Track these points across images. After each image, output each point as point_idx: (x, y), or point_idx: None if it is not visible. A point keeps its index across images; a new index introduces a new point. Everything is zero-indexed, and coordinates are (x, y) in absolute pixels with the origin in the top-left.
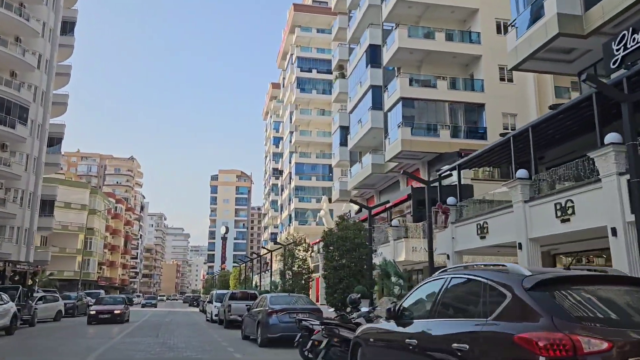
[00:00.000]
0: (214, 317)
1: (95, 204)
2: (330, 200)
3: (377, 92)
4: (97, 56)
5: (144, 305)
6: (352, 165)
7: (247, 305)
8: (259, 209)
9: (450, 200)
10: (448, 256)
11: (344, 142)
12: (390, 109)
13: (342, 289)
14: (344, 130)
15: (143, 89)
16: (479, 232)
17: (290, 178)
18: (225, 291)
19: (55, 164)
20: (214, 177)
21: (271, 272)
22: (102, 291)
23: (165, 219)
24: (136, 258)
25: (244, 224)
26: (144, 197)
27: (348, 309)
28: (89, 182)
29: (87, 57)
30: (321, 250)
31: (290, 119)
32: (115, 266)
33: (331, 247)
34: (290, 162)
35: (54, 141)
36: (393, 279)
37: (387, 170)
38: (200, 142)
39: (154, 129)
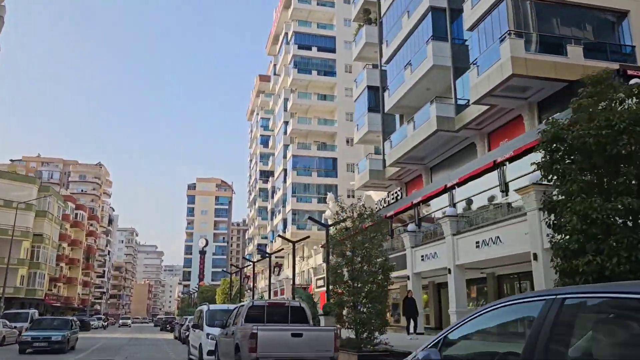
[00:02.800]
0: (205, 358)
1: (46, 204)
2: (335, 199)
3: (439, 17)
4: (63, 52)
5: (24, 347)
6: (385, 139)
7: (294, 334)
8: (238, 224)
9: None
10: None
11: (374, 107)
12: (478, 23)
13: None
14: (373, 92)
15: (115, 97)
16: None
17: (286, 175)
18: (226, 306)
19: None
20: (192, 186)
21: (294, 277)
22: (34, 311)
23: (136, 235)
24: (103, 276)
25: (223, 238)
26: (113, 210)
27: None
28: (39, 177)
29: (52, 50)
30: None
31: (285, 106)
32: (73, 283)
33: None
34: (285, 157)
35: None
36: None
37: (459, 127)
38: (176, 155)
39: (126, 139)
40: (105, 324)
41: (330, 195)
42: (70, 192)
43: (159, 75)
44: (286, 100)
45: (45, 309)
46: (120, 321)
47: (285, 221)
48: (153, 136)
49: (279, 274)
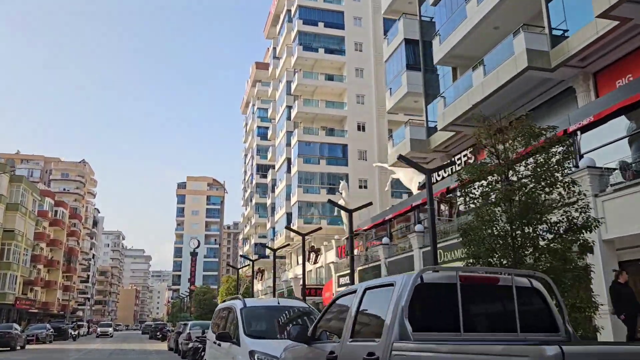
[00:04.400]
0: None
1: (19, 197)
2: (348, 188)
3: None
4: (45, 44)
5: None
6: (428, 102)
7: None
8: (229, 227)
9: None
10: None
11: (413, 64)
12: None
13: None
14: (412, 46)
15: (101, 95)
16: None
17: (289, 165)
18: (275, 301)
19: None
20: (182, 185)
21: (352, 263)
22: None
23: (123, 239)
24: (87, 281)
25: (215, 240)
26: (99, 212)
27: None
28: (11, 166)
29: (34, 43)
30: None
31: (288, 89)
32: (52, 287)
33: None
34: (288, 145)
35: None
36: None
37: (556, 65)
38: (164, 158)
39: (110, 141)
40: (76, 333)
41: (343, 184)
42: (51, 191)
43: (145, 72)
44: (289, 83)
45: (19, 315)
46: (99, 329)
47: (289, 215)
48: (139, 138)
49: (316, 261)
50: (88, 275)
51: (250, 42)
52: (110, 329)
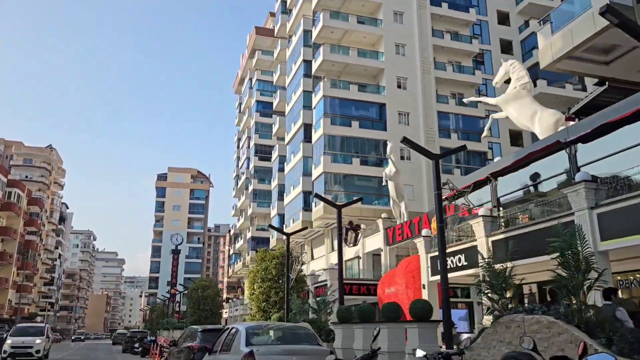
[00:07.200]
0: None
1: None
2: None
3: None
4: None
5: None
6: None
7: None
8: (210, 230)
9: None
10: None
11: None
12: None
13: None
14: None
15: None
16: None
17: (308, 132)
18: None
19: None
20: (162, 177)
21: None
22: None
23: (94, 239)
24: (52, 284)
25: (199, 238)
26: (67, 207)
27: None
28: None
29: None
30: None
31: (306, 40)
32: (3, 286)
33: None
34: (307, 107)
35: None
36: None
37: None
38: (141, 159)
39: (80, 136)
40: None
41: (391, 147)
42: (11, 178)
43: (124, 60)
44: (306, 33)
45: None
46: (8, 342)
47: (306, 195)
48: (113, 134)
49: (355, 243)
50: (53, 278)
51: (240, 21)
52: (39, 341)
